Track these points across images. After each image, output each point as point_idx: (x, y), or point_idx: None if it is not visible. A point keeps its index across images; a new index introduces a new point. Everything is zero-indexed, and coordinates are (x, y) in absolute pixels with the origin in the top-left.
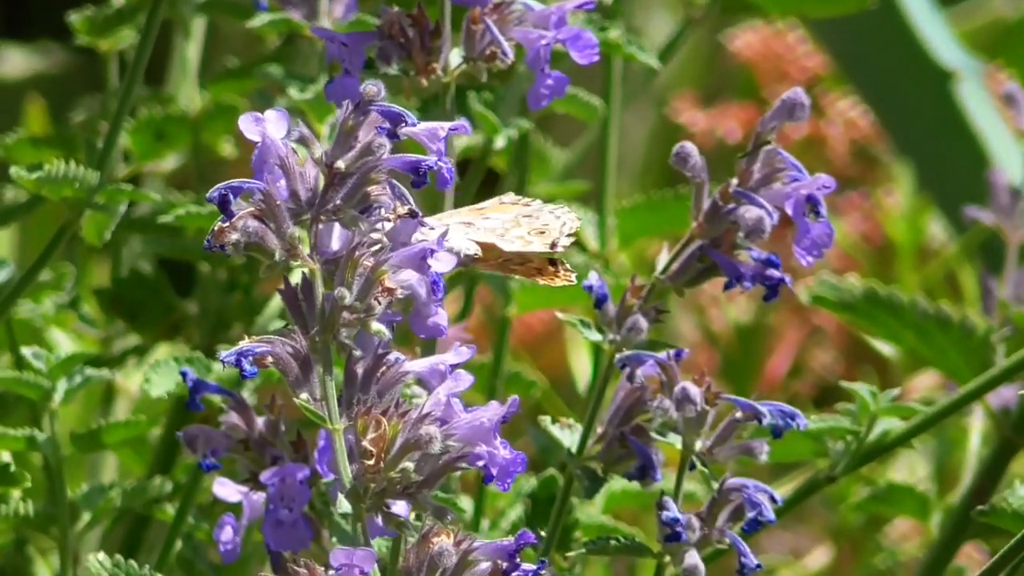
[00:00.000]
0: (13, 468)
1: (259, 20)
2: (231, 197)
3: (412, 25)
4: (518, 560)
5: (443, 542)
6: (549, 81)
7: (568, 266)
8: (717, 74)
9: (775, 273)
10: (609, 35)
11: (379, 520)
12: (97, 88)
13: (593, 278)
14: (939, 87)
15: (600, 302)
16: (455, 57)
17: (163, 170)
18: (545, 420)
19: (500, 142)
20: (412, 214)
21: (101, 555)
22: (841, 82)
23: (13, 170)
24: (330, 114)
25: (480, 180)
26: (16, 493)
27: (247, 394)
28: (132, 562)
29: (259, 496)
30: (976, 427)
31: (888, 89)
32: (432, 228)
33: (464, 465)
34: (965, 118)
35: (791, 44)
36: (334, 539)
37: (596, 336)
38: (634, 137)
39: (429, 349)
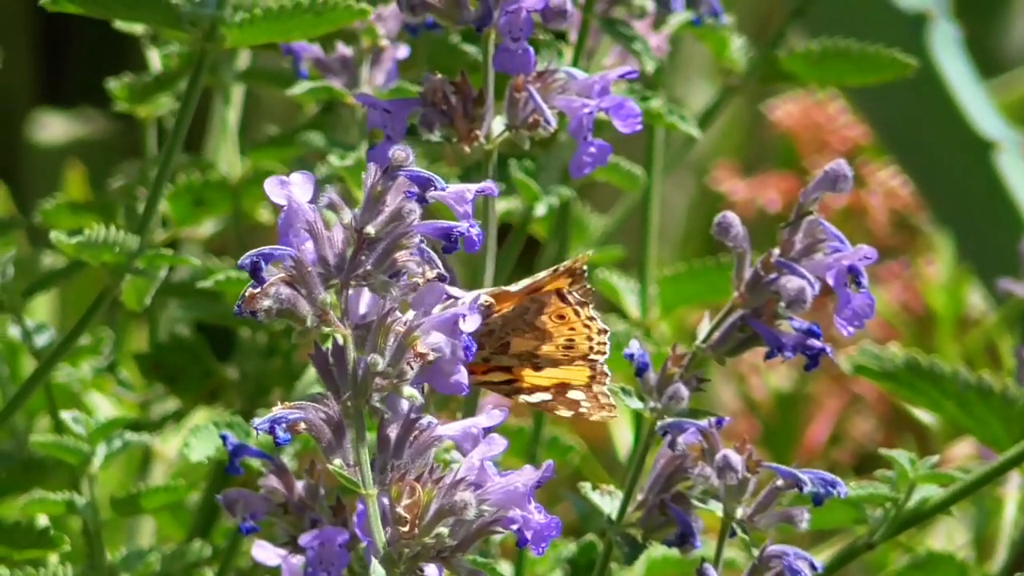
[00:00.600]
0: (52, 532)
1: (300, 88)
2: (262, 264)
3: (455, 92)
4: None
5: None
6: (592, 149)
7: (607, 392)
8: (757, 143)
9: (816, 343)
10: (651, 104)
11: None
12: (136, 154)
13: (634, 346)
14: (979, 158)
15: (641, 370)
16: (498, 125)
17: (201, 235)
18: (585, 487)
19: (541, 210)
20: (440, 278)
21: None
22: (881, 152)
23: (53, 235)
24: None
25: (521, 247)
26: (55, 557)
27: (287, 458)
28: None
29: (298, 560)
30: (1012, 496)
31: (928, 159)
32: (458, 296)
33: (499, 529)
34: (1005, 189)
35: (831, 114)
36: None
37: (637, 404)
38: (674, 205)
39: (470, 411)
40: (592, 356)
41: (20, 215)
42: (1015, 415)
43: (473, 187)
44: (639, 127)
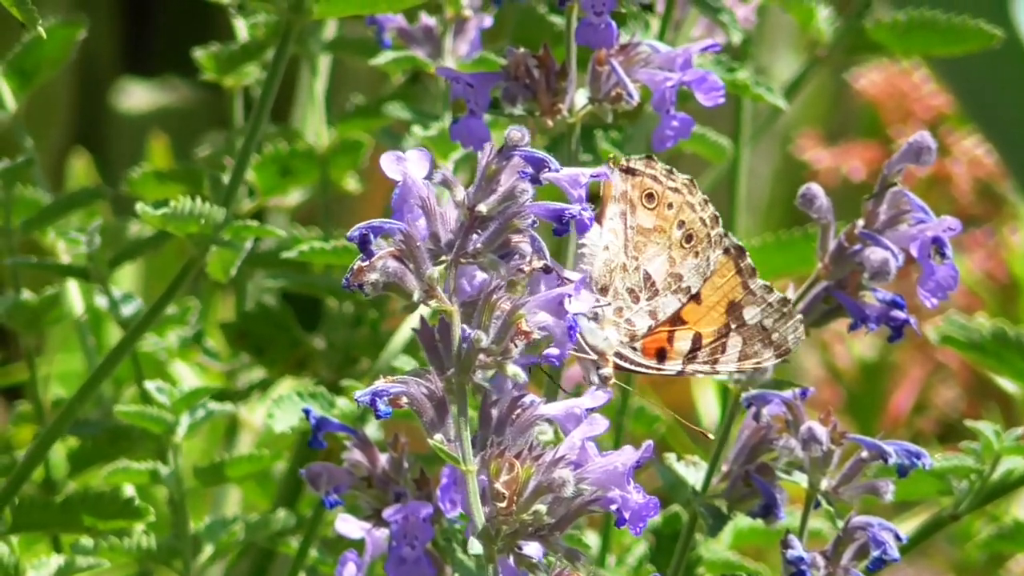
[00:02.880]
0: (137, 502)
1: (384, 58)
2: (371, 237)
3: (538, 66)
4: None
5: None
6: (675, 123)
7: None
8: (841, 112)
9: (900, 315)
10: (737, 76)
11: (510, 561)
12: (221, 124)
13: None
14: None
15: None
16: (580, 98)
17: (287, 205)
18: (670, 457)
19: None
20: (547, 269)
21: None
22: (965, 121)
23: (139, 207)
24: (454, 151)
25: None
26: (140, 526)
27: (371, 431)
28: None
29: (382, 533)
30: None
31: (1012, 128)
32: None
33: (597, 508)
34: None
35: (916, 83)
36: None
37: (722, 375)
38: (758, 174)
39: (552, 390)
40: (713, 233)
41: (105, 184)
42: None
43: (588, 171)
44: (721, 100)
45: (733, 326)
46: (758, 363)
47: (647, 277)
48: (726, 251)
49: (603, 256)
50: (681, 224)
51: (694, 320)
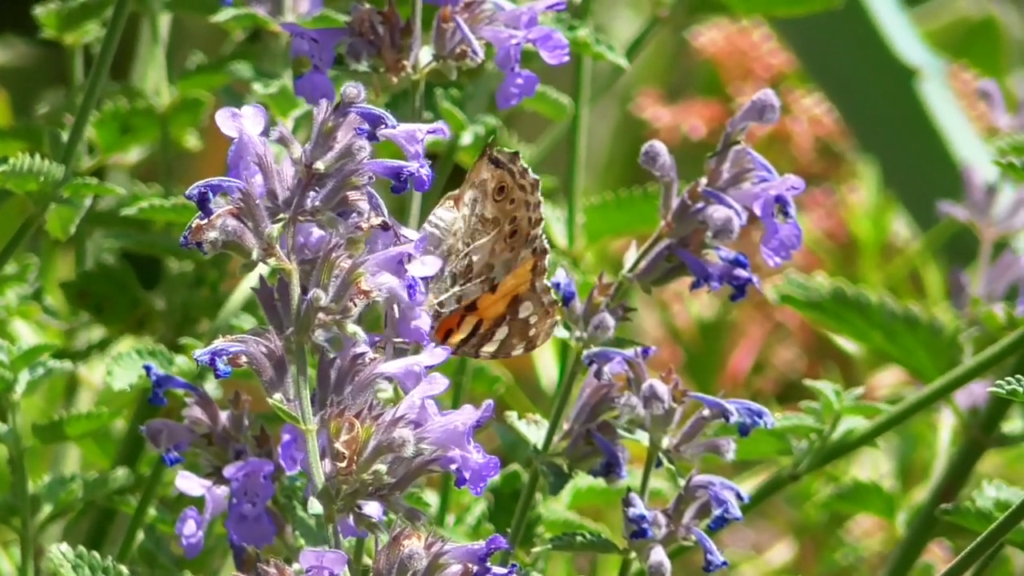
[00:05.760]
0: None
1: (224, 15)
2: (210, 195)
3: (383, 22)
4: (488, 564)
5: (414, 545)
6: (519, 80)
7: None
8: (681, 71)
9: (743, 273)
10: (578, 34)
11: (350, 520)
12: (61, 81)
13: (560, 275)
14: (903, 85)
15: (567, 299)
16: (425, 55)
17: (128, 163)
18: (511, 416)
19: (467, 139)
20: (385, 226)
21: (63, 546)
22: (806, 79)
23: None
24: (294, 108)
25: (447, 176)
26: None
27: (211, 388)
28: (95, 554)
29: (222, 490)
30: (944, 425)
31: (852, 87)
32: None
33: (437, 468)
34: (929, 116)
35: (756, 41)
36: (297, 534)
37: (563, 333)
38: (598, 133)
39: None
40: (532, 233)
41: None
42: (942, 345)
43: (425, 127)
44: (566, 58)
45: (508, 318)
46: (507, 353)
47: (469, 265)
48: (534, 251)
49: (450, 241)
50: (513, 220)
51: (484, 308)
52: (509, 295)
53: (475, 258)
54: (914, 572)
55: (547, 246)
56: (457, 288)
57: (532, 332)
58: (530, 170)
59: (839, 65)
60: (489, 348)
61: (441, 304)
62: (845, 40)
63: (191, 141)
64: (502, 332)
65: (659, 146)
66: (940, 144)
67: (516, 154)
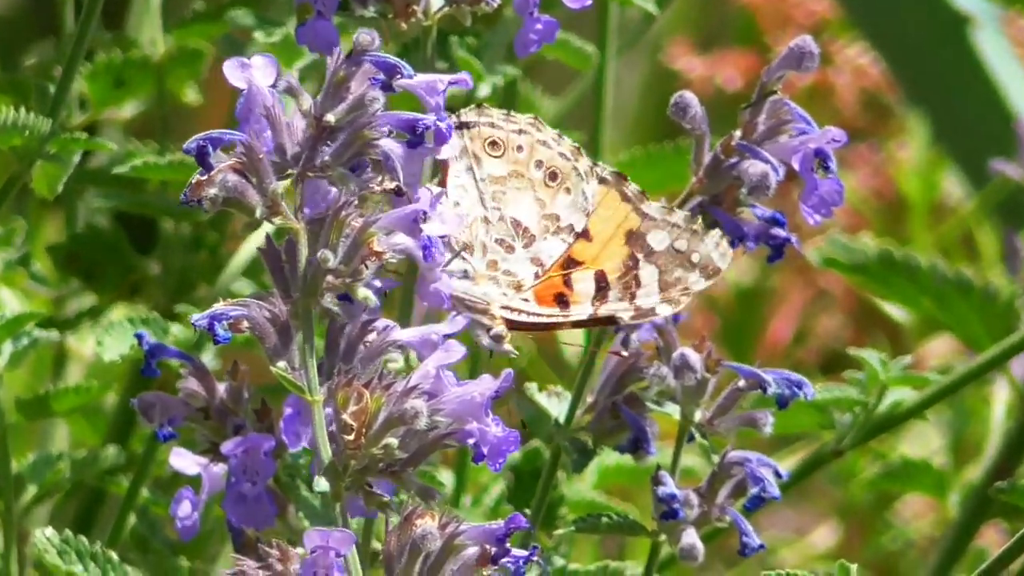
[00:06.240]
0: None
1: None
2: (210, 149)
3: None
4: (507, 545)
5: (427, 524)
6: (538, 26)
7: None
8: (715, 18)
9: (780, 232)
10: None
11: (359, 499)
12: (50, 31)
13: None
14: (955, 33)
15: None
16: None
17: (122, 118)
18: (531, 388)
19: (485, 90)
20: (399, 191)
21: (49, 530)
22: (849, 27)
23: None
24: (299, 59)
25: None
26: None
27: (208, 359)
28: (83, 538)
29: (220, 468)
30: (1000, 397)
31: (900, 35)
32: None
33: (453, 442)
34: (982, 66)
35: None
36: (301, 515)
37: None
38: (627, 86)
39: (407, 315)
40: (579, 166)
41: None
42: (997, 311)
43: (446, 77)
44: (588, 2)
45: (640, 256)
46: (685, 289)
47: (516, 224)
48: (602, 180)
49: (455, 212)
50: (539, 164)
51: (590, 258)
52: (619, 235)
53: (517, 215)
54: (967, 557)
55: (615, 169)
56: (523, 251)
57: (696, 257)
58: (512, 112)
59: (885, 11)
60: (649, 295)
61: (509, 272)
62: None
63: (190, 95)
64: (649, 273)
65: (689, 96)
66: (994, 96)
67: (482, 106)
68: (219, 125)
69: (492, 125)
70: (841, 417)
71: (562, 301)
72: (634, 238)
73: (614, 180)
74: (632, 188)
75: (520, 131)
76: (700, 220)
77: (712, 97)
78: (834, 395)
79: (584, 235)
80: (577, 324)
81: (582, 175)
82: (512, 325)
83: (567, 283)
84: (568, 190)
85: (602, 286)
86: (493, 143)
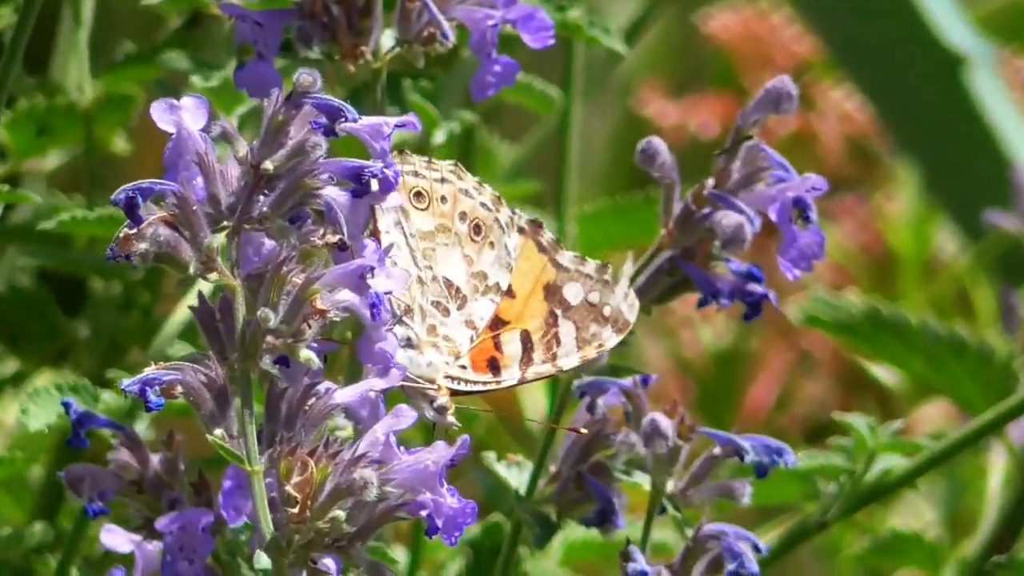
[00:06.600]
0: None
1: None
2: (140, 200)
3: (338, 2)
4: None
5: None
6: (496, 68)
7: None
8: (690, 61)
9: (757, 288)
10: (568, 16)
11: None
12: None
13: None
14: (947, 75)
15: None
16: (387, 39)
17: (46, 169)
18: (490, 457)
19: (440, 137)
20: (342, 245)
21: None
22: (834, 69)
23: None
24: (239, 105)
25: None
26: None
27: (142, 428)
28: None
29: (154, 546)
30: (996, 466)
31: (889, 77)
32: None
33: (405, 515)
34: (978, 110)
35: (775, 25)
36: None
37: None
38: (595, 133)
39: (355, 377)
40: (500, 216)
41: None
42: (993, 373)
43: (392, 120)
44: (551, 41)
45: (559, 312)
46: (600, 345)
47: (448, 284)
48: (521, 231)
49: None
50: (463, 216)
51: (515, 317)
52: (538, 289)
53: (448, 274)
54: None
55: (532, 218)
56: (457, 313)
57: (607, 310)
58: (432, 159)
59: (873, 51)
60: (568, 355)
61: (448, 338)
62: (880, 24)
63: (119, 144)
64: (567, 330)
65: (657, 142)
66: (991, 143)
67: (403, 151)
68: (152, 176)
69: (415, 174)
70: (826, 487)
71: (494, 366)
72: (551, 292)
73: (531, 229)
74: (547, 237)
75: (442, 179)
76: (610, 270)
77: (687, 145)
78: (818, 462)
79: (509, 292)
80: (504, 388)
81: (503, 227)
82: (453, 393)
83: (497, 346)
84: (492, 244)
85: (527, 347)
86: (418, 194)
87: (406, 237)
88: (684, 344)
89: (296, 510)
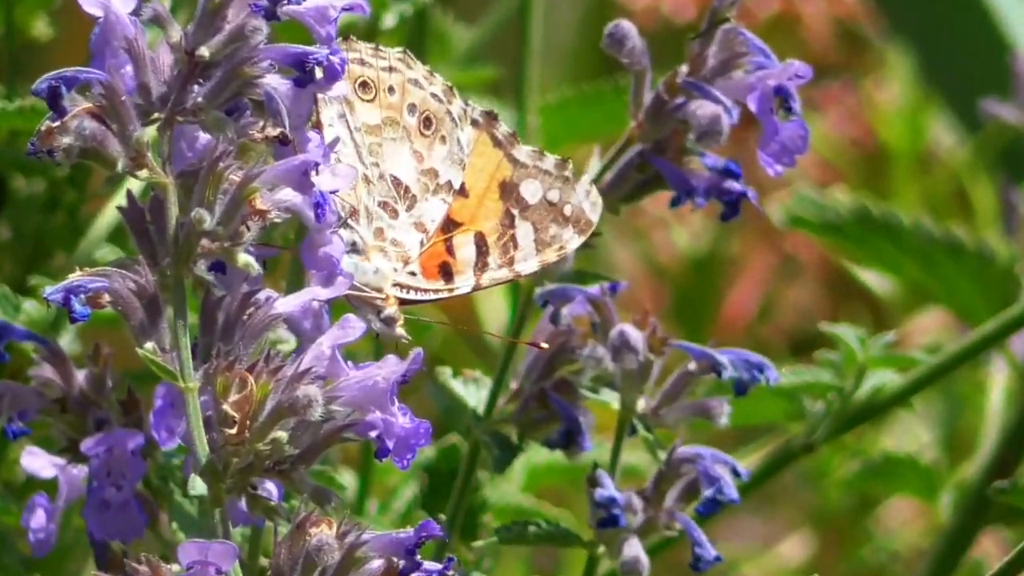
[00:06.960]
0: None
1: None
2: (63, 90)
3: None
4: (418, 558)
5: (323, 534)
6: None
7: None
8: None
9: (735, 185)
10: None
11: (243, 504)
12: None
13: None
14: None
15: None
16: None
17: None
18: (445, 373)
19: (390, 20)
20: (284, 139)
21: None
22: None
23: None
24: None
25: None
26: None
27: (66, 341)
28: None
29: (80, 470)
30: (997, 382)
31: None
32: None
33: (352, 436)
34: None
35: None
36: (175, 525)
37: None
38: (561, 15)
39: (298, 283)
40: (453, 108)
41: None
42: (994, 277)
43: (339, 3)
44: None
45: (516, 212)
46: (561, 248)
47: (397, 183)
48: (475, 123)
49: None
50: (412, 108)
51: (468, 218)
52: (493, 187)
53: (397, 172)
54: (962, 570)
55: (486, 109)
56: (406, 215)
57: (568, 209)
58: (380, 46)
59: None
60: (527, 259)
61: (396, 242)
62: None
63: (40, 28)
64: (525, 231)
65: (627, 26)
66: (991, 25)
67: (348, 38)
68: (77, 64)
69: (361, 62)
70: (812, 405)
71: (446, 272)
72: (507, 190)
73: (485, 122)
74: (503, 130)
75: (390, 68)
76: (571, 165)
77: (659, 29)
78: (803, 379)
79: (462, 191)
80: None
81: (456, 120)
82: (402, 303)
83: (449, 250)
84: (443, 139)
85: (482, 251)
86: (364, 84)
87: (351, 131)
88: (656, 247)
89: (234, 431)
